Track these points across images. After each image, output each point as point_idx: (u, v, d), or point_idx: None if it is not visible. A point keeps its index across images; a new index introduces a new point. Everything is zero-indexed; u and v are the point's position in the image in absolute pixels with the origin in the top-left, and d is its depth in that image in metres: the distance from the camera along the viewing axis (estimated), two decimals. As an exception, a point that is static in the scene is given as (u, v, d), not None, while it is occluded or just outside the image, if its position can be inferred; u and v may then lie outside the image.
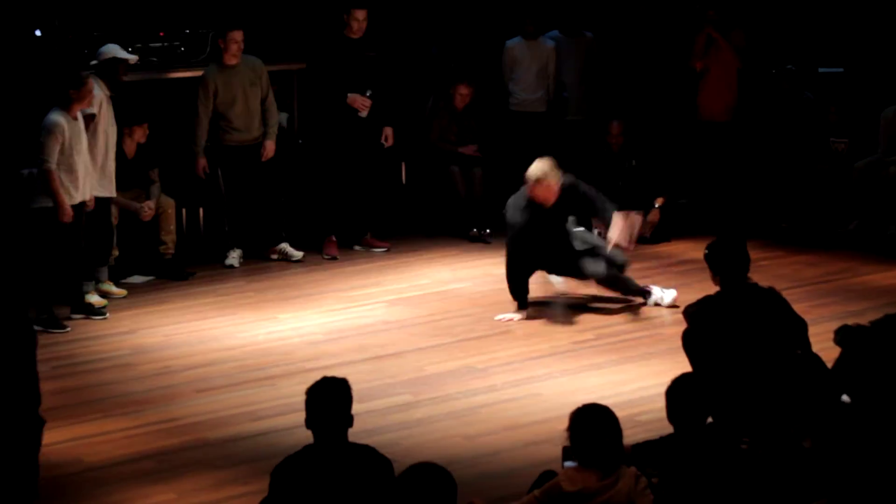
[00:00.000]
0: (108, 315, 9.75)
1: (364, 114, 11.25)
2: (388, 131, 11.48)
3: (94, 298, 9.98)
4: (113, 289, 10.31)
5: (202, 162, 11.04)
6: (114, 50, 9.95)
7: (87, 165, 9.60)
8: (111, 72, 9.95)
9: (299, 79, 11.79)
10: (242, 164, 11.09)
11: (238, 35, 10.90)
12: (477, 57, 12.94)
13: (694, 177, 12.49)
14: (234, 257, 11.18)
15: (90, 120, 9.75)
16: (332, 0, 11.44)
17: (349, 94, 11.18)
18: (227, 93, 10.96)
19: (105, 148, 9.96)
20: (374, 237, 11.68)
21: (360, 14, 11.17)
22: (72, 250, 9.56)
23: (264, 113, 11.16)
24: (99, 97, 9.83)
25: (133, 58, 10.08)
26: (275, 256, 11.34)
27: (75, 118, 9.50)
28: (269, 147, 11.17)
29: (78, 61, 10.61)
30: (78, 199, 9.53)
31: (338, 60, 11.17)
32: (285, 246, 11.36)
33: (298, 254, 11.32)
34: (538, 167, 9.41)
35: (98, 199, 9.93)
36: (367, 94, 11.24)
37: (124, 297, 10.25)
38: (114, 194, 10.13)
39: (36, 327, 7.35)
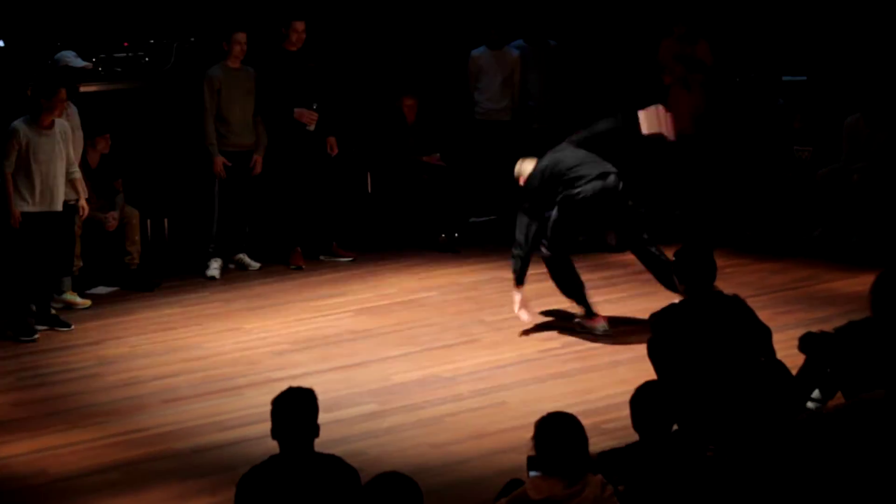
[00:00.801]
0: (73, 327, 9.71)
1: (312, 127, 11.23)
2: (332, 140, 11.45)
3: (77, 299, 10.04)
4: (77, 299, 10.28)
5: (220, 160, 11.01)
6: (68, 58, 9.93)
7: (54, 176, 9.54)
8: (67, 79, 9.91)
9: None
10: (235, 171, 11.07)
11: (242, 37, 10.94)
12: (441, 66, 12.96)
13: (657, 187, 12.53)
14: (215, 268, 11.14)
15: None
16: (271, 13, 11.41)
17: (296, 109, 11.16)
18: (228, 94, 10.98)
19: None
20: (340, 247, 11.68)
21: (300, 26, 11.16)
22: (34, 260, 9.51)
23: (257, 126, 11.17)
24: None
25: (87, 65, 10.04)
26: (232, 266, 11.34)
27: (46, 127, 9.47)
28: (259, 162, 11.23)
29: (41, 71, 10.61)
30: (35, 208, 9.46)
31: (281, 74, 11.15)
32: (243, 256, 11.37)
33: (256, 264, 11.33)
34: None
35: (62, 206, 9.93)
36: (314, 108, 11.22)
37: (88, 308, 10.22)
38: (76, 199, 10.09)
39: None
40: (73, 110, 10.04)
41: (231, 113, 11.04)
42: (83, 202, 9.77)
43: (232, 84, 11.02)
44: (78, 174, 9.76)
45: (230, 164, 11.03)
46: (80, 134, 10.08)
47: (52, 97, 9.41)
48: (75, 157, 10.04)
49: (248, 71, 11.13)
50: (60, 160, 9.60)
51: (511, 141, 12.57)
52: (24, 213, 9.39)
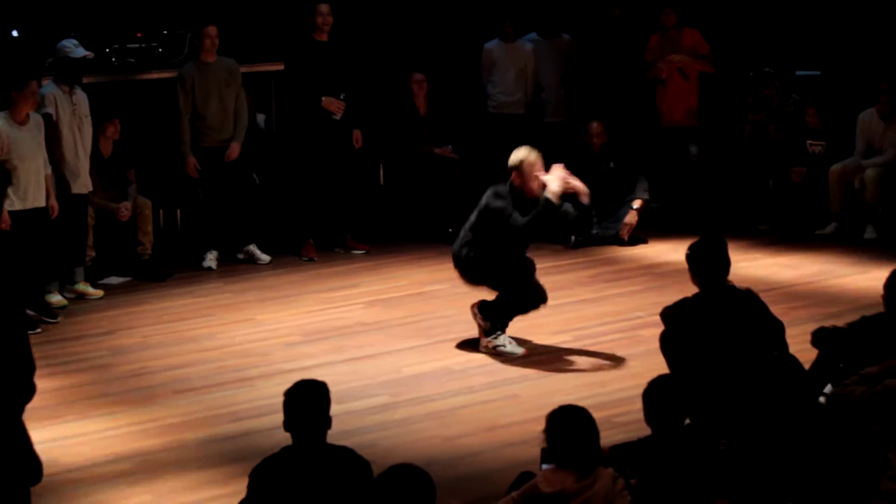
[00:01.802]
0: (59, 319, 9.69)
1: (339, 116, 11.25)
2: (357, 134, 11.46)
3: (55, 298, 10.00)
4: (89, 289, 10.29)
5: (192, 161, 10.99)
6: (67, 47, 9.89)
7: (37, 171, 9.52)
8: (67, 69, 9.91)
9: (276, 80, 11.77)
10: (218, 166, 11.07)
11: (212, 30, 10.90)
12: (455, 59, 12.95)
13: (668, 180, 12.52)
14: (210, 259, 11.17)
15: (48, 120, 9.74)
16: (302, 2, 11.42)
17: (324, 98, 11.17)
18: (203, 90, 10.95)
19: (74, 145, 9.93)
20: (354, 240, 11.68)
21: (324, 8, 11.16)
22: (28, 256, 9.48)
23: (235, 113, 11.14)
24: (53, 95, 9.83)
25: (88, 54, 9.99)
26: (241, 256, 11.35)
27: (21, 122, 9.47)
28: (235, 148, 11.12)
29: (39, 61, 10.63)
30: (19, 206, 9.41)
31: (309, 64, 11.15)
32: (253, 248, 11.37)
33: (265, 257, 11.33)
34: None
35: (73, 197, 9.93)
36: (341, 97, 11.23)
37: (101, 298, 10.24)
38: (89, 188, 10.10)
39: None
40: (81, 98, 10.03)
41: (207, 108, 10.98)
42: (53, 202, 9.69)
43: (206, 79, 10.97)
44: (49, 170, 9.69)
45: (200, 168, 11.01)
46: (89, 121, 10.08)
47: (22, 89, 9.39)
48: (87, 146, 10.06)
49: (223, 62, 11.07)
50: (39, 155, 9.60)
51: (524, 134, 12.54)
52: (10, 213, 9.27)
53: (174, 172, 11.37)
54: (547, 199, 8.51)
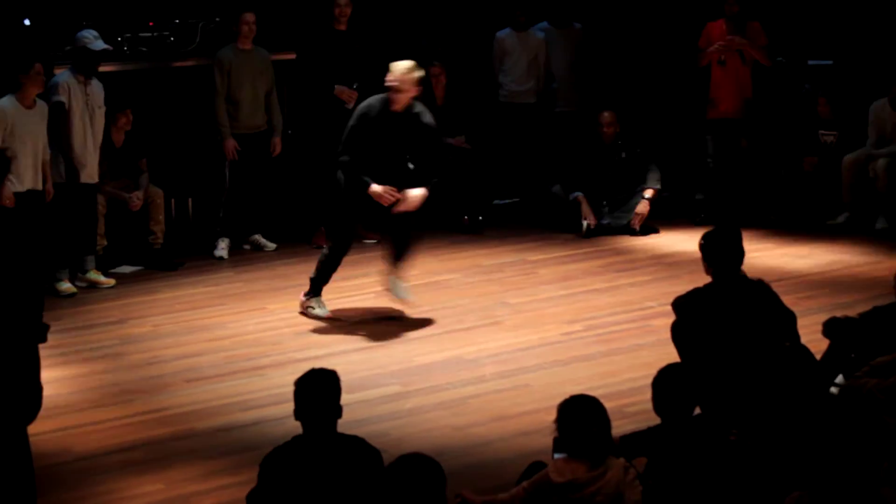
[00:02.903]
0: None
1: (350, 106, 11.24)
2: None
3: (64, 286, 10.04)
4: (101, 278, 10.30)
5: (231, 143, 11.04)
6: (87, 38, 9.91)
7: (35, 155, 9.56)
8: (85, 59, 9.93)
9: (289, 69, 11.77)
10: (246, 153, 11.09)
11: (250, 17, 10.98)
12: (467, 48, 12.94)
13: (679, 170, 12.49)
14: (222, 248, 11.17)
15: (59, 108, 9.75)
16: None
17: (336, 87, 11.18)
18: (238, 75, 10.99)
19: (84, 135, 9.94)
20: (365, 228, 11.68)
21: None
22: (29, 239, 9.49)
23: (269, 107, 11.19)
24: (67, 84, 9.85)
25: (107, 48, 10.01)
26: (247, 247, 11.37)
27: (29, 106, 9.51)
28: (278, 143, 11.27)
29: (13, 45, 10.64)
30: (22, 186, 9.49)
31: (326, 53, 11.17)
32: (258, 237, 11.39)
33: (271, 245, 11.36)
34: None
35: (82, 186, 9.95)
36: (354, 87, 11.23)
37: (112, 287, 10.25)
38: (95, 180, 10.11)
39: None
40: (96, 88, 10.05)
41: (241, 94, 11.04)
42: (49, 186, 9.73)
43: (242, 65, 11.02)
44: (48, 156, 9.72)
45: (240, 149, 11.05)
46: (101, 113, 10.10)
47: (28, 71, 9.42)
48: (98, 136, 10.07)
49: (259, 51, 11.14)
50: (40, 140, 9.63)
51: (535, 123, 12.57)
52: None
53: (194, 158, 11.38)
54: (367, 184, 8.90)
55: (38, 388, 5.53)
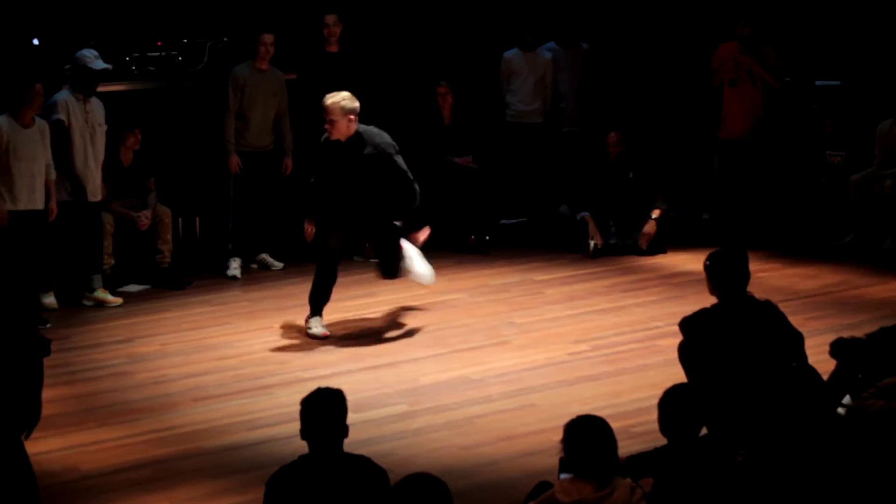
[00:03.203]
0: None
1: None
2: None
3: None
4: (108, 297, 10.32)
5: (235, 159, 11.07)
6: (87, 57, 9.92)
7: (32, 175, 9.56)
8: (84, 78, 9.94)
9: (291, 90, 11.78)
10: (250, 171, 11.11)
11: (268, 38, 10.97)
12: (474, 68, 12.95)
13: (686, 190, 12.50)
14: (235, 267, 11.18)
15: (59, 127, 9.77)
16: (316, 13, 11.44)
17: None
18: (252, 93, 11.01)
19: (85, 153, 9.96)
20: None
21: (330, 19, 11.23)
22: (24, 259, 9.53)
23: (279, 128, 11.21)
24: (66, 102, 9.87)
25: (107, 67, 10.01)
26: (254, 266, 11.38)
27: (27, 124, 9.53)
28: (290, 164, 11.33)
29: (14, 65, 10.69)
30: (16, 206, 9.51)
31: (318, 75, 11.18)
32: (265, 256, 11.41)
33: (279, 264, 11.37)
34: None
35: (87, 205, 9.96)
36: None
37: (119, 306, 10.26)
38: (98, 198, 10.12)
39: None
40: (96, 107, 10.06)
41: (252, 113, 11.07)
42: (53, 205, 9.75)
43: (257, 84, 11.04)
44: (53, 175, 9.75)
45: (243, 166, 11.07)
46: (102, 130, 10.10)
47: (28, 91, 9.45)
48: (99, 154, 10.08)
49: (275, 73, 11.17)
50: (40, 159, 9.64)
51: (543, 143, 12.58)
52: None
53: (200, 176, 11.40)
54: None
55: (38, 402, 5.52)
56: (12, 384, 5.41)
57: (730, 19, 12.30)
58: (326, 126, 9.27)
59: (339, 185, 9.36)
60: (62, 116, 9.84)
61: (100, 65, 9.93)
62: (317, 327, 9.40)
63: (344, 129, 9.20)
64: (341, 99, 9.20)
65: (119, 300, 10.36)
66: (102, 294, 10.31)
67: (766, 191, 12.35)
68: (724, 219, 12.22)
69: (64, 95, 9.93)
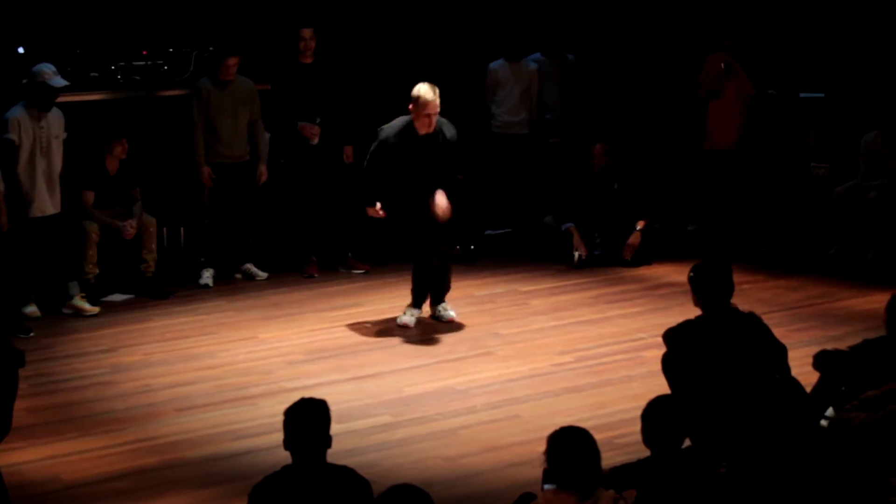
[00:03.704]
0: (33, 334, 9.72)
1: (315, 141, 11.27)
2: (349, 150, 11.47)
3: (29, 309, 10.11)
4: (85, 305, 10.30)
5: (207, 170, 11.04)
6: (44, 73, 9.83)
7: None
8: (41, 94, 9.88)
9: (264, 101, 11.76)
10: (226, 183, 11.10)
11: (232, 61, 10.95)
12: (459, 78, 12.95)
13: (670, 201, 12.51)
14: (207, 276, 11.17)
15: (8, 146, 9.75)
16: (290, 25, 11.44)
17: (299, 123, 11.20)
18: (218, 104, 10.98)
19: (33, 169, 9.91)
20: (355, 259, 11.68)
21: (307, 33, 11.22)
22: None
23: (253, 135, 11.20)
24: (17, 120, 9.80)
25: (62, 83, 9.91)
26: (238, 276, 11.37)
27: None
28: (264, 171, 11.26)
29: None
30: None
31: (291, 86, 11.18)
32: (250, 266, 11.39)
33: (263, 274, 11.36)
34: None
35: (32, 221, 9.95)
36: (317, 122, 11.25)
37: (98, 316, 10.23)
38: (50, 212, 10.05)
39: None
40: (53, 119, 9.98)
41: (221, 124, 11.03)
42: (3, 220, 9.68)
43: (222, 95, 11.01)
44: (2, 187, 9.67)
45: (215, 177, 11.05)
46: (59, 142, 10.04)
47: None
48: (56, 166, 10.04)
49: (243, 81, 11.13)
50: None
51: (528, 154, 12.59)
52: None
53: (180, 188, 11.39)
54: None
55: (9, 414, 5.49)
56: None
57: (716, 32, 12.34)
58: (422, 119, 9.64)
59: (418, 176, 9.66)
60: (13, 136, 9.76)
61: (59, 82, 9.83)
62: (406, 316, 9.91)
63: (435, 121, 9.63)
64: (437, 94, 9.62)
65: (96, 309, 10.32)
66: (80, 302, 10.29)
67: (751, 203, 12.38)
68: (709, 231, 12.23)
69: (17, 112, 9.82)
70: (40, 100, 9.87)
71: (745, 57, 12.20)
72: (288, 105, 11.21)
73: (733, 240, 12.06)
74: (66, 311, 10.22)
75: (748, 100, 12.28)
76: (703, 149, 12.39)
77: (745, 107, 12.29)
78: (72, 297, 10.27)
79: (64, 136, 10.13)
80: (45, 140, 9.93)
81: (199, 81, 11.09)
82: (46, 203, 10.02)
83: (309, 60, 11.26)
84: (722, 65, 12.17)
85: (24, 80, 9.97)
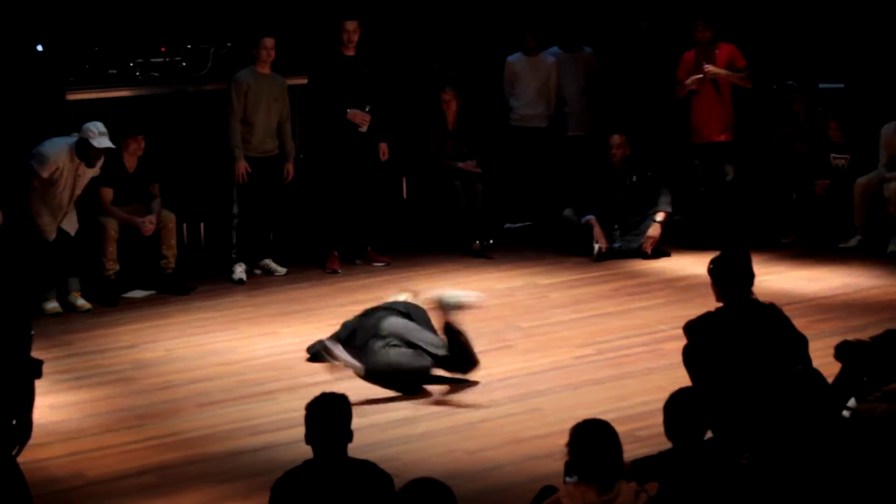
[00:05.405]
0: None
1: (364, 129, 11.31)
2: (384, 147, 11.51)
3: (50, 306, 10.22)
4: (78, 301, 10.34)
5: (242, 165, 11.06)
6: (89, 132, 9.92)
7: None
8: (84, 151, 10.02)
9: (301, 94, 11.80)
10: (255, 177, 11.12)
11: (269, 42, 10.99)
12: (478, 72, 12.96)
13: (691, 193, 12.47)
14: (240, 272, 11.19)
15: (29, 173, 9.99)
16: (330, 17, 11.47)
17: (349, 110, 11.23)
18: (255, 98, 11.02)
19: (69, 198, 10.20)
20: (375, 252, 11.70)
21: (351, 25, 11.23)
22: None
23: (282, 134, 11.22)
24: (55, 161, 9.97)
25: (105, 145, 10.02)
26: (258, 271, 11.38)
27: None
28: (291, 169, 11.31)
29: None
30: None
31: (335, 77, 11.21)
32: (269, 261, 11.41)
33: (282, 269, 11.37)
34: None
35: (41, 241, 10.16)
36: (367, 110, 11.28)
37: (88, 312, 10.29)
38: (51, 238, 10.23)
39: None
40: (89, 171, 10.25)
41: (255, 118, 11.08)
42: None
43: (259, 89, 11.05)
44: None
45: (251, 171, 11.08)
46: (87, 177, 10.26)
47: None
48: (76, 193, 10.25)
49: (277, 78, 11.19)
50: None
51: (546, 147, 12.59)
52: None
53: (200, 183, 11.41)
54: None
55: (29, 421, 5.50)
56: (5, 405, 5.39)
57: (727, 21, 12.25)
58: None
59: None
60: (44, 173, 9.94)
61: (103, 142, 9.96)
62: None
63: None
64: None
65: (88, 305, 10.38)
66: (73, 297, 10.34)
67: (747, 194, 12.32)
68: (708, 223, 12.13)
69: (61, 156, 10.01)
70: (84, 155, 10.03)
71: (715, 48, 11.97)
72: (333, 95, 11.22)
73: (753, 231, 12.01)
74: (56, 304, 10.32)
75: (729, 90, 12.03)
76: (692, 143, 12.19)
77: (728, 100, 12.04)
78: (69, 293, 10.31)
79: (96, 172, 10.27)
80: (75, 182, 10.14)
81: (239, 73, 11.09)
82: (53, 229, 10.18)
83: (351, 53, 11.29)
84: (690, 60, 11.97)
85: (75, 134, 10.10)
